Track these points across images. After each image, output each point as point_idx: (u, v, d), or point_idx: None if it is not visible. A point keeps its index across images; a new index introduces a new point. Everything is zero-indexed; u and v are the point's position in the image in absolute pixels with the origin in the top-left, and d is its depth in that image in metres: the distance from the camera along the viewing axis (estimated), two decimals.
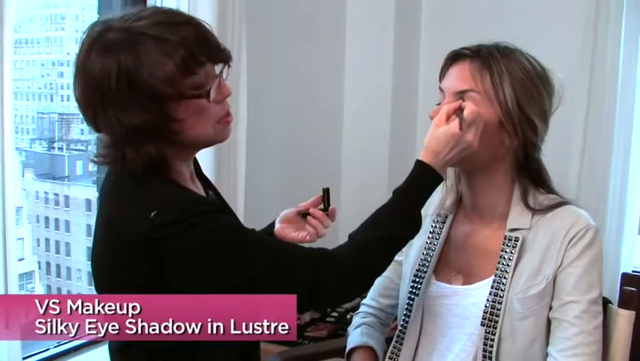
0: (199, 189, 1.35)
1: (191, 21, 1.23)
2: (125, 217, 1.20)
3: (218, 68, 1.25)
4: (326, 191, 1.50)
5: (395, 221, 1.31)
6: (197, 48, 1.19)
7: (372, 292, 1.67)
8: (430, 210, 1.55)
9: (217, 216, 1.22)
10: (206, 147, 1.32)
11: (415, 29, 3.07)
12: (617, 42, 2.55)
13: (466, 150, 1.32)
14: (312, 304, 1.29)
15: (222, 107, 1.27)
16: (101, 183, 1.34)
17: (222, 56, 1.24)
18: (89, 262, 1.30)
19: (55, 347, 2.19)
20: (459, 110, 1.33)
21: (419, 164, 1.32)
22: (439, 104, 1.40)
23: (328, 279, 1.24)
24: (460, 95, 1.37)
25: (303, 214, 1.51)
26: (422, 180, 1.32)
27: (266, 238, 1.44)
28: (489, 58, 1.37)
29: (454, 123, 1.31)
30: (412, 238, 1.36)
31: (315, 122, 2.96)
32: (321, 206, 1.50)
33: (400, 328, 1.51)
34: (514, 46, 1.41)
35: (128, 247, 1.18)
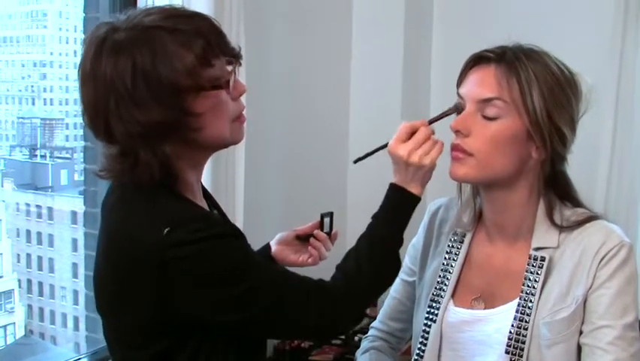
0: (205, 207, 1.36)
1: (202, 14, 1.26)
2: (133, 232, 1.22)
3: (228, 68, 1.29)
4: (330, 215, 1.56)
5: (375, 249, 1.35)
6: (213, 39, 1.22)
7: (381, 314, 1.66)
8: (444, 227, 1.54)
9: (230, 241, 1.23)
10: (219, 149, 1.34)
11: (427, 33, 3.05)
12: None
13: (425, 170, 1.35)
14: (314, 337, 1.31)
15: (238, 105, 1.30)
16: (102, 199, 1.35)
17: (235, 52, 1.27)
18: (90, 281, 1.31)
19: None
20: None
21: (390, 185, 1.38)
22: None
23: (332, 313, 1.29)
24: (484, 103, 1.35)
25: (302, 237, 1.57)
26: (394, 200, 1.37)
27: (277, 267, 1.46)
28: (515, 62, 1.34)
29: (403, 146, 1.34)
30: (396, 253, 1.37)
31: (319, 129, 2.94)
32: (326, 230, 1.56)
33: (415, 357, 1.49)
34: (540, 47, 1.39)
35: (136, 262, 1.20)
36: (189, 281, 1.18)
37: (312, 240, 1.55)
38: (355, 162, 1.43)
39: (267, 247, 1.58)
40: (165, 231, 1.17)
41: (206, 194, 1.43)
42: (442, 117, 1.39)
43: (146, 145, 1.20)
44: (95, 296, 1.33)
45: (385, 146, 1.38)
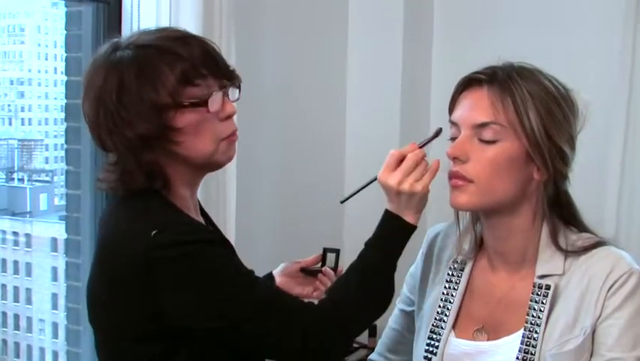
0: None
1: (198, 38, 1.40)
2: (123, 236, 1.33)
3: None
4: (337, 252, 1.69)
5: (366, 276, 1.41)
6: (200, 61, 1.34)
7: (380, 346, 1.67)
8: (444, 255, 1.55)
9: (216, 247, 1.34)
10: (209, 168, 1.44)
11: (426, 48, 3.07)
12: None
13: (419, 197, 1.38)
14: (299, 358, 1.37)
15: (228, 126, 1.40)
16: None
17: (226, 73, 1.40)
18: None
19: None
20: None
21: (384, 211, 1.43)
22: (453, 138, 1.40)
23: (316, 333, 1.34)
24: (480, 128, 1.36)
25: (307, 271, 1.71)
26: (386, 227, 1.43)
27: (264, 282, 1.55)
28: (508, 82, 1.35)
29: (392, 175, 1.38)
30: (388, 281, 1.41)
31: (313, 148, 2.95)
32: (332, 266, 1.69)
33: None
34: (531, 65, 1.41)
35: (126, 267, 1.29)
36: (173, 283, 1.28)
37: (320, 276, 1.67)
38: (342, 202, 1.50)
39: (271, 277, 1.69)
40: (153, 233, 1.27)
41: (203, 212, 1.52)
42: (427, 143, 1.43)
43: (131, 155, 1.33)
44: (88, 312, 1.42)
45: (374, 180, 1.41)
